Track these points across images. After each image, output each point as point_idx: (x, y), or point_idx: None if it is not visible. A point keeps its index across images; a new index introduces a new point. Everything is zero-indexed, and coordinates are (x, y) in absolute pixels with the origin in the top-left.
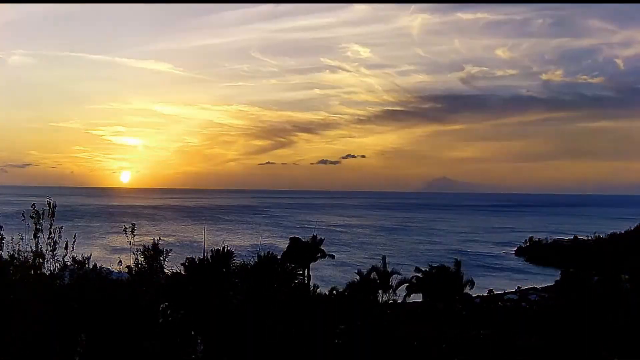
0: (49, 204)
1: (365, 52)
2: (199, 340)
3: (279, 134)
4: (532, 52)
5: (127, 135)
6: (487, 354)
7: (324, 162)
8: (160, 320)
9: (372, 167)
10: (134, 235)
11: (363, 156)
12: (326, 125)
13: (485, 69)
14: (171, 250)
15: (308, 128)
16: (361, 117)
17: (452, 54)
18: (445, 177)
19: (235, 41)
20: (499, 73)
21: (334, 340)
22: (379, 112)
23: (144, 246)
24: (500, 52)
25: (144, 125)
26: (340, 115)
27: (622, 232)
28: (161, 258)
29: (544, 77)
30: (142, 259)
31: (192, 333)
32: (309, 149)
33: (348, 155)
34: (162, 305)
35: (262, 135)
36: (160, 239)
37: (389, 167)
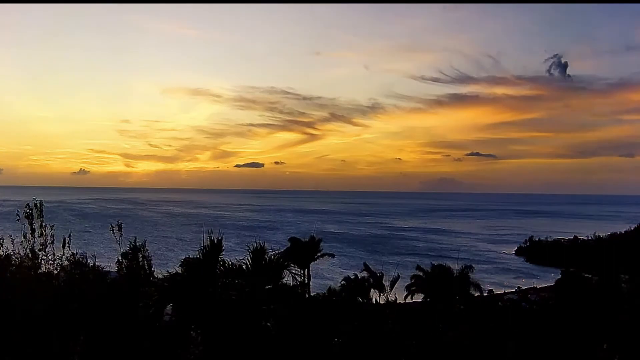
0: (35, 204)
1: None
2: (198, 340)
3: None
4: None
5: (129, 129)
6: (486, 354)
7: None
8: (160, 320)
9: (377, 164)
10: (121, 235)
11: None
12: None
13: (589, 47)
14: (145, 244)
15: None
16: (410, 105)
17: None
18: (442, 179)
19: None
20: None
21: (332, 339)
22: (439, 96)
23: (124, 252)
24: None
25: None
26: (393, 102)
27: (622, 232)
28: (143, 259)
29: None
30: (125, 262)
31: (192, 333)
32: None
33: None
34: (161, 305)
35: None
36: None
37: (400, 163)
